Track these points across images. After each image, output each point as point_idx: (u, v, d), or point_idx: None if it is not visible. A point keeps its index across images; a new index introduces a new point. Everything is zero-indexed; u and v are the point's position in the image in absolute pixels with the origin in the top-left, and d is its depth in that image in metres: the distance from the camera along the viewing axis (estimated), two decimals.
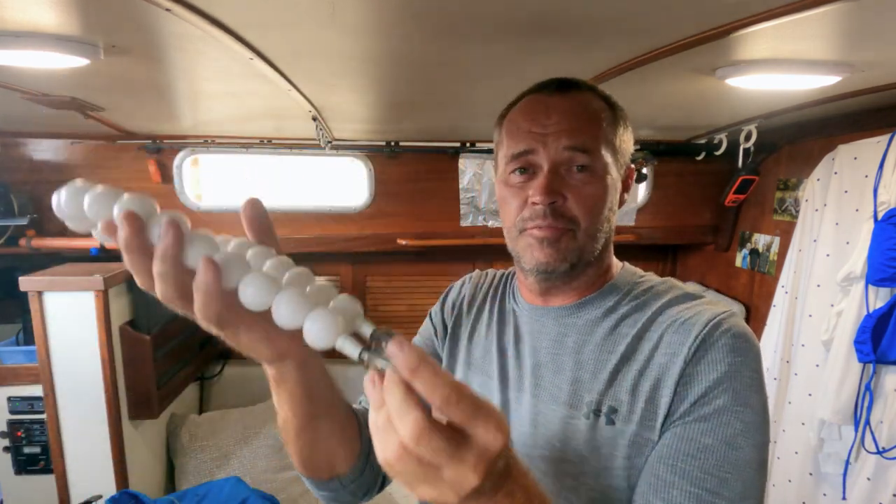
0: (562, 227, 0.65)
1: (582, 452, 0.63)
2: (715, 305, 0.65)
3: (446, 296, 0.91)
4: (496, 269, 0.91)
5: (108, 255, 2.05)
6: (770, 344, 1.78)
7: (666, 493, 0.57)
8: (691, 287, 0.71)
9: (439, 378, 0.35)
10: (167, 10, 0.74)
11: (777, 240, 1.98)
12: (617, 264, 0.76)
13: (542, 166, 0.66)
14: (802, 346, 1.67)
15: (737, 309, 2.12)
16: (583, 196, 0.66)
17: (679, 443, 0.58)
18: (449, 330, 0.86)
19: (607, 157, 0.67)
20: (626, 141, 0.71)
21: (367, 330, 0.44)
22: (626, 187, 0.73)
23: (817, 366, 1.61)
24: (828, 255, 1.58)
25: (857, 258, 1.45)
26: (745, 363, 0.59)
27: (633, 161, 2.33)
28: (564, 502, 0.64)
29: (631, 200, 2.38)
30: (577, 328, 0.70)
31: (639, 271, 0.76)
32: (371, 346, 0.42)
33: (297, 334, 0.43)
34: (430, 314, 0.91)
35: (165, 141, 2.07)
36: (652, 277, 0.74)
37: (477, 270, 0.92)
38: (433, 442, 0.35)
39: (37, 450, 1.76)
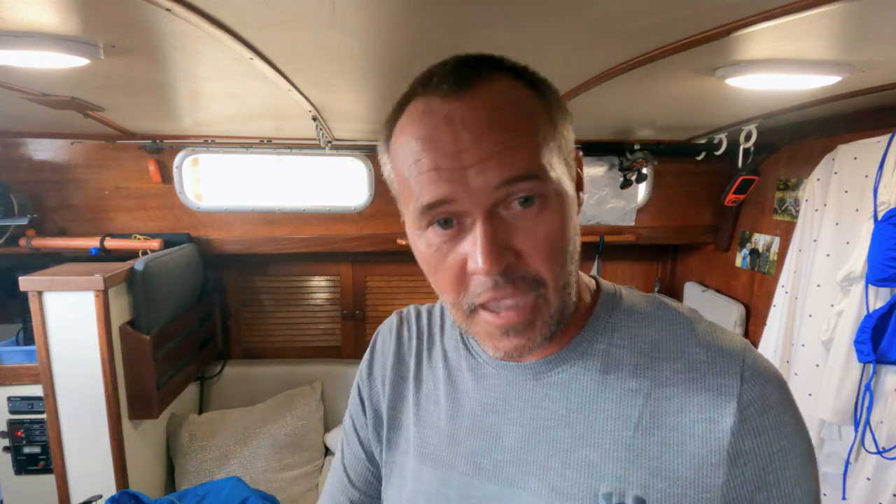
0: (529, 298, 0.47)
1: None
2: (720, 336, 0.52)
3: (371, 362, 0.67)
4: (424, 306, 0.69)
5: (108, 256, 2.05)
6: (770, 344, 1.78)
7: None
8: (682, 307, 0.56)
9: None
10: (167, 10, 0.74)
11: (777, 240, 1.98)
12: (588, 286, 0.57)
13: (470, 214, 0.45)
14: (802, 346, 1.67)
15: (735, 310, 2.12)
16: (539, 240, 0.46)
17: None
18: (385, 415, 0.64)
19: (556, 167, 0.47)
20: (567, 131, 0.51)
21: None
22: (580, 185, 0.53)
23: (817, 366, 1.61)
24: (828, 255, 1.58)
25: (857, 258, 1.45)
26: (796, 414, 0.50)
27: (634, 161, 2.30)
28: None
29: (631, 200, 2.39)
30: (564, 387, 0.53)
31: (611, 287, 0.58)
32: None
33: None
34: (358, 387, 0.68)
35: (165, 141, 2.08)
36: (630, 294, 0.58)
37: (396, 312, 0.69)
38: None
39: (37, 450, 1.76)
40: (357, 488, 0.68)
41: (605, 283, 0.59)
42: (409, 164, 0.47)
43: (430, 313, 0.67)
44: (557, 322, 0.49)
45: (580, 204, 0.53)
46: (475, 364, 0.59)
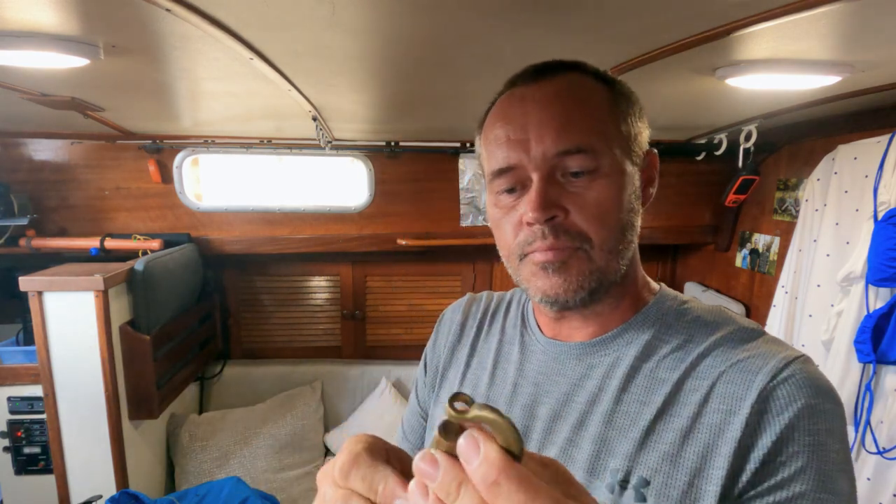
0: (569, 247, 0.52)
1: None
2: (780, 345, 0.52)
3: (438, 329, 0.76)
4: (493, 292, 0.77)
5: (108, 256, 2.05)
6: None
7: None
8: (748, 321, 0.57)
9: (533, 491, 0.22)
10: (167, 10, 0.74)
11: (777, 240, 1.98)
12: (652, 285, 0.63)
13: (531, 178, 0.53)
14: (802, 346, 1.67)
15: (735, 310, 2.12)
16: (588, 205, 0.52)
17: None
18: (439, 373, 0.72)
19: (613, 148, 0.53)
20: (638, 123, 0.58)
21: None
22: (649, 180, 0.59)
23: (817, 366, 1.61)
24: (828, 255, 1.58)
25: (857, 258, 1.45)
26: (831, 433, 0.46)
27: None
28: None
29: None
30: (604, 369, 0.56)
31: (680, 295, 0.61)
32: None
33: None
34: (425, 354, 0.77)
35: (165, 141, 2.08)
36: (697, 304, 0.59)
37: (469, 294, 0.78)
38: None
39: (37, 450, 1.76)
40: (408, 440, 0.76)
41: (670, 290, 0.63)
42: (489, 137, 0.57)
43: (500, 297, 0.74)
44: (599, 279, 0.54)
45: (647, 197, 0.59)
46: (528, 340, 0.65)
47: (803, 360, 0.50)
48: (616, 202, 0.53)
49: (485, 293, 0.76)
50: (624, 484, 0.49)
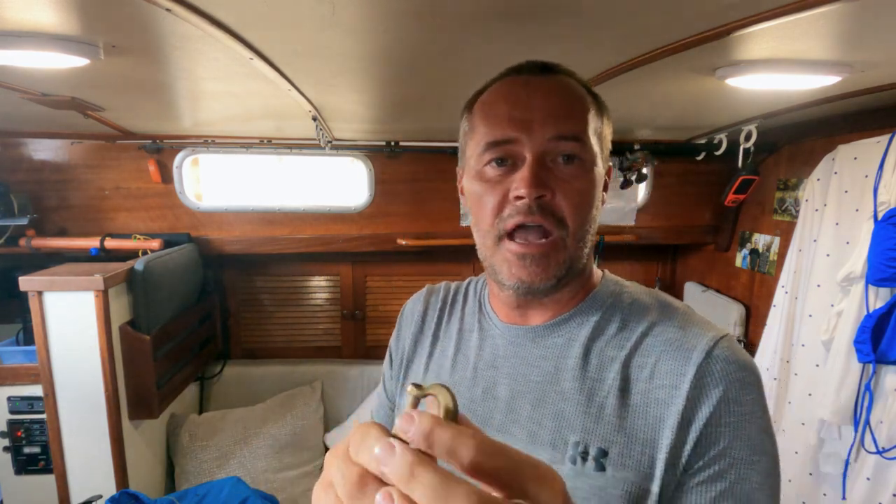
0: (550, 240, 0.57)
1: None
2: (707, 325, 0.58)
3: (400, 322, 0.79)
4: (451, 282, 0.80)
5: (108, 256, 2.05)
6: (770, 344, 1.78)
7: None
8: (678, 302, 0.63)
9: (463, 437, 0.26)
10: (167, 10, 0.74)
11: (777, 240, 1.98)
12: (597, 272, 0.68)
13: (524, 157, 0.57)
14: (802, 346, 1.67)
15: (735, 310, 2.12)
16: (572, 191, 0.57)
17: None
18: (404, 364, 0.75)
19: (594, 147, 0.59)
20: (609, 134, 0.64)
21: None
22: (605, 186, 0.64)
23: (817, 366, 1.61)
24: (828, 255, 1.58)
25: (857, 258, 1.45)
26: (757, 402, 0.53)
27: (634, 161, 2.31)
28: None
29: (631, 200, 2.39)
30: (557, 350, 0.61)
31: (621, 280, 0.67)
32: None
33: None
34: (390, 347, 0.80)
35: (165, 141, 2.08)
36: (636, 287, 0.66)
37: (428, 286, 0.80)
38: None
39: (37, 450, 1.76)
40: None
41: (612, 275, 0.68)
42: (488, 112, 0.59)
43: (457, 286, 0.78)
44: (568, 268, 0.59)
45: (602, 202, 0.63)
46: (486, 326, 0.68)
47: (728, 338, 0.57)
48: (591, 195, 0.59)
49: (442, 284, 0.80)
50: (584, 455, 0.54)
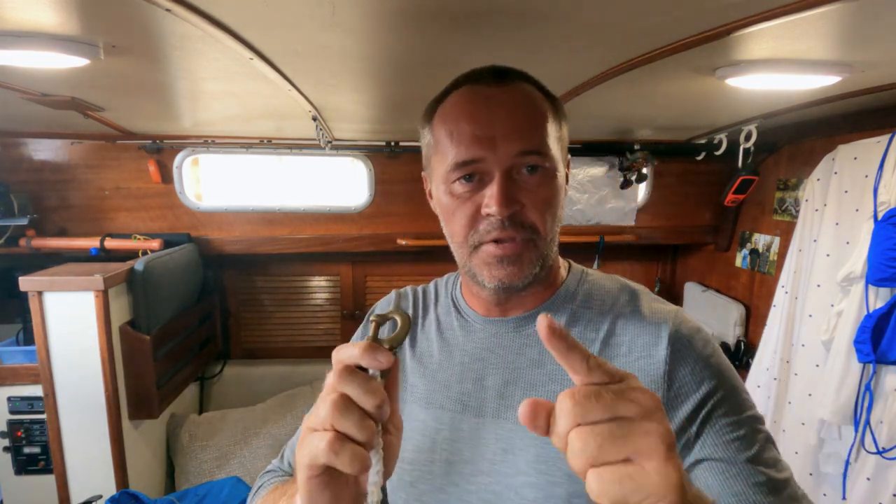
0: (522, 240, 0.61)
1: (569, 472, 0.57)
2: (663, 303, 0.68)
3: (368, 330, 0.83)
4: (416, 286, 0.83)
5: (108, 256, 2.05)
6: (770, 344, 1.78)
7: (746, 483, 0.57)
8: (635, 284, 0.72)
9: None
10: (167, 10, 0.74)
11: (777, 240, 1.98)
12: (563, 263, 0.74)
13: (492, 173, 0.60)
14: (802, 346, 1.67)
15: (735, 310, 2.12)
16: (539, 200, 0.61)
17: (722, 450, 0.58)
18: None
19: (555, 153, 0.63)
20: (566, 134, 0.68)
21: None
22: (567, 180, 0.69)
23: (817, 366, 1.61)
24: (828, 255, 1.58)
25: (857, 258, 1.45)
26: (717, 350, 0.64)
27: (634, 161, 2.31)
28: None
29: (631, 200, 2.39)
30: (538, 337, 0.63)
31: (581, 268, 0.74)
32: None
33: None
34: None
35: (165, 141, 2.08)
36: (596, 273, 0.74)
37: (395, 290, 0.83)
38: (610, 395, 0.35)
39: (37, 450, 1.76)
40: None
41: (575, 264, 0.76)
42: (452, 129, 0.61)
43: (424, 290, 0.81)
44: (541, 265, 0.64)
45: (564, 195, 0.67)
46: (465, 323, 0.72)
47: (682, 310, 0.67)
48: (557, 199, 0.64)
49: (409, 288, 0.83)
50: None
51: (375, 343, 0.42)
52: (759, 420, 0.62)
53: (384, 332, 0.46)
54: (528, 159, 0.60)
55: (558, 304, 0.69)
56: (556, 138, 0.63)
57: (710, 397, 0.60)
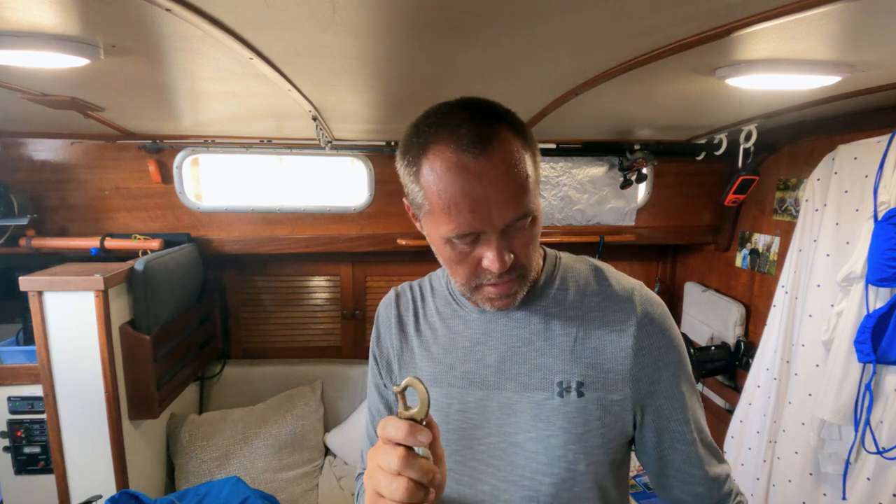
0: (515, 277, 0.70)
1: (562, 424, 0.73)
2: (627, 278, 0.80)
3: (378, 329, 0.89)
4: (411, 282, 0.91)
5: (108, 256, 2.05)
6: (770, 344, 1.78)
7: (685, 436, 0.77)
8: (600, 262, 0.83)
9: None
10: (167, 10, 0.74)
11: (777, 240, 1.98)
12: (540, 253, 0.82)
13: (488, 234, 0.66)
14: (802, 346, 1.67)
15: (735, 310, 2.12)
16: (526, 243, 0.69)
17: (675, 404, 0.77)
18: (395, 362, 0.85)
19: (537, 196, 0.70)
20: (538, 159, 0.72)
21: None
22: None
23: (817, 366, 1.61)
24: (828, 255, 1.58)
25: (857, 258, 1.45)
26: (672, 321, 0.79)
27: (634, 161, 2.31)
28: (562, 466, 0.73)
29: (631, 200, 2.39)
30: (526, 320, 0.78)
31: (554, 252, 0.84)
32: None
33: None
34: (373, 354, 0.89)
35: (165, 141, 2.08)
36: (567, 257, 0.84)
37: (393, 289, 0.92)
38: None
39: (37, 450, 1.76)
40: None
41: (549, 250, 0.84)
42: (449, 205, 0.65)
43: (420, 284, 0.91)
44: (528, 287, 0.75)
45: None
46: (463, 313, 0.82)
47: (643, 285, 0.80)
48: (539, 234, 0.72)
49: (405, 285, 0.92)
50: (568, 389, 0.74)
51: (413, 422, 0.53)
52: (696, 394, 0.80)
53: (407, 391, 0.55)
54: (520, 221, 0.67)
55: (540, 291, 0.79)
56: (535, 180, 0.68)
57: (669, 367, 0.76)
